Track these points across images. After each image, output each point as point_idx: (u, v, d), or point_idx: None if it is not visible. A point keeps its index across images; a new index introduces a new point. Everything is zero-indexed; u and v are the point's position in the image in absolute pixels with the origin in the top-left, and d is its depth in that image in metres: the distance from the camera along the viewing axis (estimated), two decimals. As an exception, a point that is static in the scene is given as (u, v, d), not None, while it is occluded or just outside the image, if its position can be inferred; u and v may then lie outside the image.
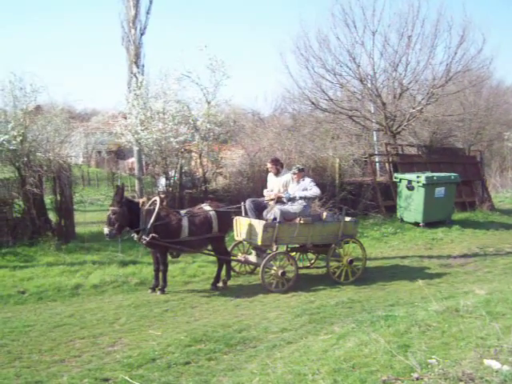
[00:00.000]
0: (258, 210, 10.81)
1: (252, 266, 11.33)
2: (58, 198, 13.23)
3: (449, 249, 14.19)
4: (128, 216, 9.72)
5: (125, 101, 15.03)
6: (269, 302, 9.40)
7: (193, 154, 15.98)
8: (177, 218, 10.15)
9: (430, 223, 16.19)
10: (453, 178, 16.46)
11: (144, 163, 18.09)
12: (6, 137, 11.80)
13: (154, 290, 9.98)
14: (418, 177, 16.00)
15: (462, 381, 4.68)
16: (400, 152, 19.22)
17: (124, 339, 7.34)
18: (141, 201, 10.33)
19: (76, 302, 9.45)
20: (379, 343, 6.01)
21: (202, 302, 9.38)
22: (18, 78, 12.84)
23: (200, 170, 15.73)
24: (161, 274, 9.99)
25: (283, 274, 10.17)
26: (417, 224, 16.23)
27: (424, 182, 15.77)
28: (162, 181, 15.78)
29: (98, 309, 8.87)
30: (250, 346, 6.96)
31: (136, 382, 5.72)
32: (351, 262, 10.84)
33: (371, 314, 7.82)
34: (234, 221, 10.93)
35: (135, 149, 15.92)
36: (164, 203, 13.77)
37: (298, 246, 11.15)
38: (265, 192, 11.10)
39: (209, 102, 14.99)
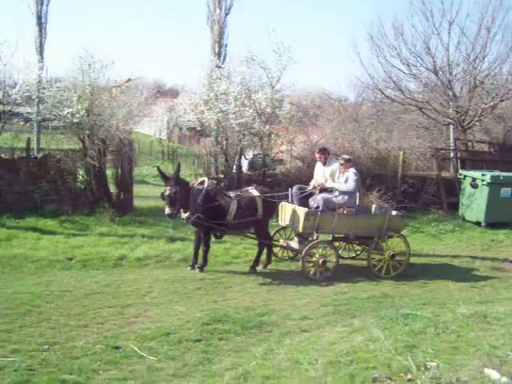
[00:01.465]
0: (304, 197, 10.82)
1: (293, 252, 11.42)
2: (119, 171, 13.81)
3: (507, 252, 13.54)
4: (184, 195, 9.74)
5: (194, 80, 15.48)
6: (302, 289, 9.43)
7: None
8: (225, 200, 10.24)
9: (493, 224, 15.57)
10: (522, 178, 15.74)
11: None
12: (70, 110, 12.43)
13: (193, 267, 10.20)
14: (483, 175, 15.43)
15: (453, 387, 4.60)
16: (470, 148, 18.55)
17: (149, 312, 7.66)
18: (193, 181, 10.59)
19: (117, 272, 9.88)
20: (388, 341, 5.99)
21: (236, 283, 9.55)
22: (90, 53, 13.46)
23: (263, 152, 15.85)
24: (201, 253, 10.19)
25: (324, 262, 10.19)
26: (478, 224, 15.69)
27: (489, 181, 15.19)
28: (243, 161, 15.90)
29: (135, 281, 9.26)
30: (265, 331, 7.10)
31: (143, 353, 6.01)
32: (393, 256, 10.68)
33: (395, 310, 7.75)
34: (280, 206, 11.00)
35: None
36: (222, 184, 14.11)
37: (342, 236, 11.12)
38: (312, 182, 11.09)
39: (273, 87, 15.10)
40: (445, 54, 17.84)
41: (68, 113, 12.48)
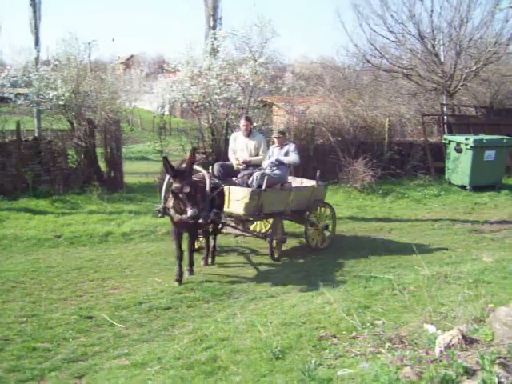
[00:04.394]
0: (228, 175, 10.04)
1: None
2: (109, 150, 14.20)
3: (489, 214, 13.80)
4: None
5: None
6: (277, 262, 9.51)
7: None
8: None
9: (478, 187, 15.86)
10: (505, 141, 15.93)
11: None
12: (55, 93, 12.76)
13: (181, 281, 8.15)
14: (466, 139, 15.64)
15: (391, 341, 4.96)
16: (456, 113, 18.72)
17: (127, 284, 8.09)
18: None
19: (102, 247, 10.28)
20: (344, 302, 6.39)
21: (218, 257, 9.68)
22: (74, 36, 13.80)
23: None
24: (187, 254, 8.51)
25: (284, 239, 10.00)
26: (464, 187, 15.98)
27: (472, 145, 15.40)
28: None
29: (118, 255, 9.68)
30: (233, 297, 7.51)
31: (113, 321, 6.47)
32: (327, 227, 10.64)
33: (360, 274, 8.16)
34: None
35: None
36: (210, 158, 14.38)
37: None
38: (231, 157, 10.33)
39: (255, 60, 15.30)
40: (429, 20, 17.94)
41: (54, 95, 12.82)
